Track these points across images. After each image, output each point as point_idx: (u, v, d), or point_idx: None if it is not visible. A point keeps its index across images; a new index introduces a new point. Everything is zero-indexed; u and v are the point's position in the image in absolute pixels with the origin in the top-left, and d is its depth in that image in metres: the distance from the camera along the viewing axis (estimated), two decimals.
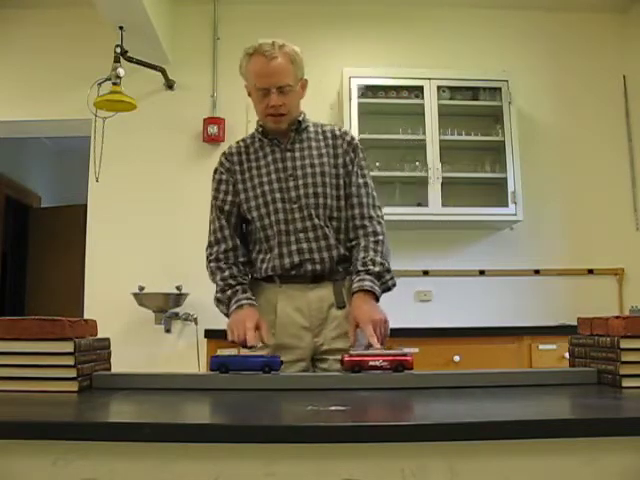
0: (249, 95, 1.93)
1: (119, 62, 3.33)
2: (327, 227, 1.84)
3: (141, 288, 3.51)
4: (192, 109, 3.87)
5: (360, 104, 3.63)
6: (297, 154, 1.88)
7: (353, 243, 1.86)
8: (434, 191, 3.56)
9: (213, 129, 3.82)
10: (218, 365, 1.40)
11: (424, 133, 3.63)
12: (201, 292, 3.69)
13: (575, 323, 1.53)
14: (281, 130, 1.88)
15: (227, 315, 1.83)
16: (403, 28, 4.02)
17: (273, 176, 1.87)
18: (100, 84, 3.32)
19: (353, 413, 1.09)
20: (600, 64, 4.04)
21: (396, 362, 1.40)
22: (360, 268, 1.78)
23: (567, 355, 1.54)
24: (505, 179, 3.64)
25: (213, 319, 3.59)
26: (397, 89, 3.75)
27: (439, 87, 3.70)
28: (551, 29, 4.08)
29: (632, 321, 1.29)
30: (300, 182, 1.85)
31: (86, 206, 3.83)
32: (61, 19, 3.92)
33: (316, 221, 1.83)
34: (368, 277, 1.76)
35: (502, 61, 3.90)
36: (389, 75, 3.70)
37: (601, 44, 4.07)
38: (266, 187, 1.86)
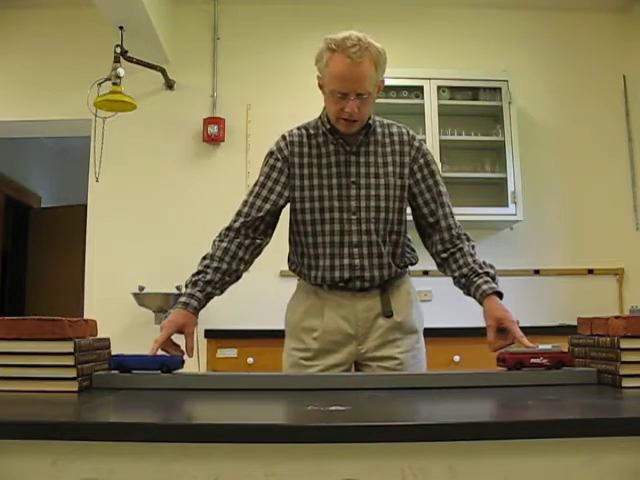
0: (320, 87, 1.77)
1: (119, 62, 3.33)
2: (384, 244, 1.77)
3: (141, 288, 3.50)
4: (192, 109, 3.87)
5: None
6: (362, 159, 1.78)
7: (453, 250, 1.78)
8: None
9: (213, 129, 3.82)
10: (117, 364, 1.40)
11: (424, 133, 3.63)
12: None
13: (575, 323, 1.53)
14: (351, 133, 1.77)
15: None
16: (403, 28, 4.01)
17: (334, 181, 1.76)
18: (100, 84, 3.32)
19: (353, 413, 1.09)
20: (600, 64, 4.04)
21: (556, 359, 1.40)
22: (480, 271, 1.71)
23: None
24: (505, 179, 3.64)
25: (213, 319, 3.61)
26: (397, 89, 3.74)
27: (439, 87, 3.70)
28: (551, 29, 4.08)
29: (632, 321, 1.29)
30: (362, 192, 1.75)
31: (86, 206, 3.83)
32: (61, 19, 3.92)
33: (373, 237, 1.75)
34: (491, 280, 1.70)
35: (502, 61, 3.89)
36: (389, 75, 3.66)
37: (601, 44, 4.07)
38: (325, 192, 1.75)
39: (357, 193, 1.76)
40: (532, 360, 1.40)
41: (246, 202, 1.80)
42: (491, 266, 1.75)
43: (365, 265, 1.75)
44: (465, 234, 1.82)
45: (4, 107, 3.87)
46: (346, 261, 1.75)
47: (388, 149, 1.82)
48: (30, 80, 3.88)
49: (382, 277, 1.78)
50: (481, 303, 1.70)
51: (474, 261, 1.75)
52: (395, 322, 1.79)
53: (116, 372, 1.39)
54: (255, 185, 1.82)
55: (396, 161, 1.81)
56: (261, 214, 1.77)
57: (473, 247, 1.79)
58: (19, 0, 3.90)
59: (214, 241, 1.79)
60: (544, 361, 1.39)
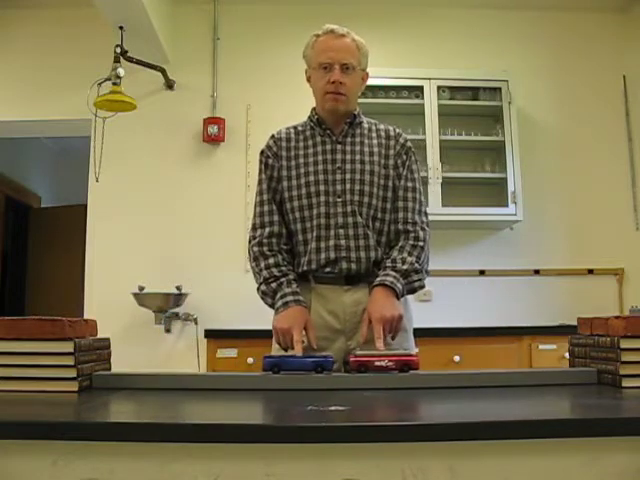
0: (308, 81, 1.87)
1: (119, 62, 3.33)
2: (368, 227, 1.80)
3: (141, 288, 3.51)
4: (192, 109, 3.87)
5: (360, 104, 3.62)
6: (348, 148, 1.84)
7: (393, 245, 1.81)
8: (434, 191, 3.56)
9: (213, 129, 3.82)
10: (271, 365, 1.40)
11: (424, 133, 3.63)
12: (201, 292, 3.70)
13: (575, 323, 1.53)
14: (337, 114, 1.83)
15: (271, 306, 1.79)
16: (403, 28, 4.02)
17: (320, 167, 1.82)
18: (100, 84, 3.32)
19: (353, 413, 1.09)
20: (600, 64, 4.04)
21: (401, 362, 1.39)
22: (387, 264, 1.76)
23: (567, 355, 1.53)
24: (505, 179, 3.64)
25: (213, 319, 3.61)
26: (397, 89, 3.75)
27: (439, 87, 3.71)
28: (551, 29, 4.08)
29: (632, 321, 1.29)
30: (347, 176, 1.80)
31: (86, 206, 3.83)
32: (61, 19, 3.92)
33: (358, 219, 1.78)
34: (392, 273, 1.73)
35: (502, 61, 3.90)
36: (389, 75, 3.70)
37: (601, 44, 4.07)
38: (311, 178, 1.81)
39: (342, 177, 1.81)
40: (377, 363, 1.39)
41: (262, 202, 1.85)
42: (411, 264, 1.76)
43: (351, 246, 1.77)
44: (415, 234, 1.82)
45: (4, 107, 3.87)
46: (332, 242, 1.78)
47: (374, 141, 1.87)
48: (30, 80, 3.88)
49: (368, 260, 1.78)
50: None
51: (395, 256, 1.77)
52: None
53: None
54: (259, 184, 1.89)
55: (381, 152, 1.86)
56: (276, 217, 1.84)
57: (414, 246, 1.80)
58: (19, 0, 3.90)
59: (262, 251, 1.81)
60: (389, 364, 1.39)
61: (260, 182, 1.89)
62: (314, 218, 1.79)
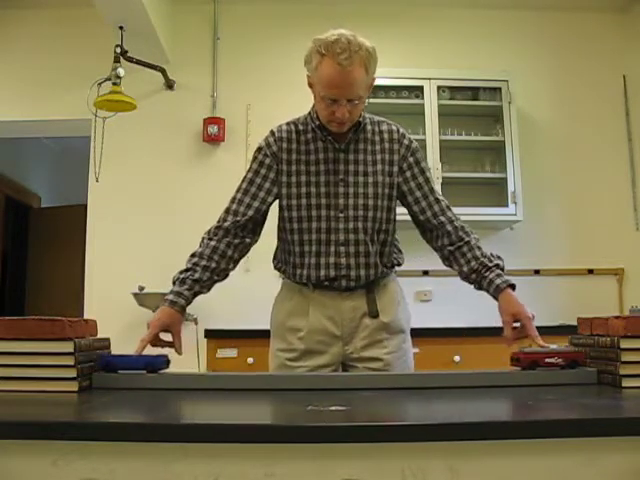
0: (310, 86, 1.74)
1: (119, 62, 3.33)
2: (371, 243, 1.75)
3: (141, 288, 3.50)
4: (192, 109, 3.87)
5: None
6: (351, 157, 1.76)
7: (459, 244, 1.76)
8: None
9: (213, 129, 3.82)
10: (104, 364, 1.39)
11: (424, 133, 3.63)
12: None
13: (575, 323, 1.53)
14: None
15: None
16: (403, 28, 4.02)
17: (322, 178, 1.74)
18: (100, 84, 3.33)
19: (353, 413, 1.09)
20: (600, 64, 4.04)
21: (570, 358, 1.40)
22: (490, 264, 1.72)
23: None
24: (505, 179, 3.64)
25: (213, 319, 3.61)
26: (397, 89, 3.75)
27: (439, 87, 3.71)
28: (551, 29, 4.08)
29: (632, 321, 1.29)
30: (350, 190, 1.74)
31: (86, 206, 3.83)
32: (61, 19, 3.92)
33: (361, 236, 1.74)
34: (502, 272, 1.72)
35: (502, 61, 3.90)
36: (389, 75, 3.70)
37: (601, 44, 4.07)
38: (312, 189, 1.74)
39: (345, 191, 1.75)
40: (547, 360, 1.40)
41: (234, 199, 1.79)
42: (499, 257, 1.76)
43: (351, 264, 1.74)
44: (469, 229, 1.81)
45: (4, 107, 3.87)
46: (332, 259, 1.74)
47: (377, 147, 1.80)
48: (30, 80, 3.88)
49: (368, 277, 1.76)
50: (496, 298, 1.70)
51: (483, 254, 1.74)
52: (381, 322, 1.77)
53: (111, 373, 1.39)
54: (243, 181, 1.81)
55: (385, 159, 1.79)
56: (251, 213, 1.76)
57: (478, 240, 1.79)
58: (19, 0, 3.90)
59: (203, 238, 1.77)
60: (559, 361, 1.39)
61: (244, 179, 1.81)
62: (313, 232, 1.75)
